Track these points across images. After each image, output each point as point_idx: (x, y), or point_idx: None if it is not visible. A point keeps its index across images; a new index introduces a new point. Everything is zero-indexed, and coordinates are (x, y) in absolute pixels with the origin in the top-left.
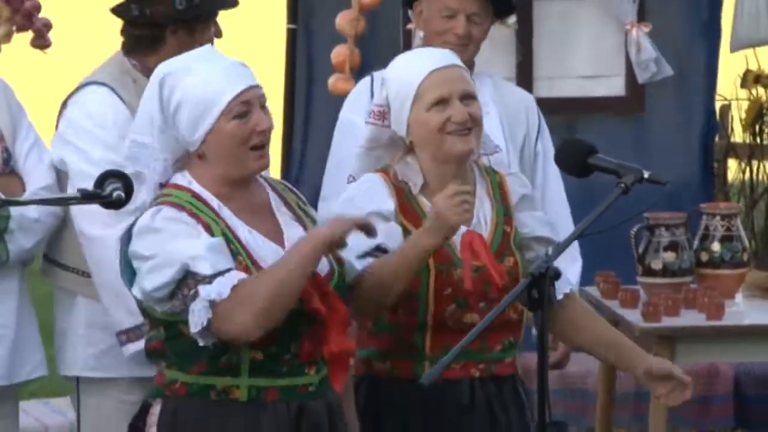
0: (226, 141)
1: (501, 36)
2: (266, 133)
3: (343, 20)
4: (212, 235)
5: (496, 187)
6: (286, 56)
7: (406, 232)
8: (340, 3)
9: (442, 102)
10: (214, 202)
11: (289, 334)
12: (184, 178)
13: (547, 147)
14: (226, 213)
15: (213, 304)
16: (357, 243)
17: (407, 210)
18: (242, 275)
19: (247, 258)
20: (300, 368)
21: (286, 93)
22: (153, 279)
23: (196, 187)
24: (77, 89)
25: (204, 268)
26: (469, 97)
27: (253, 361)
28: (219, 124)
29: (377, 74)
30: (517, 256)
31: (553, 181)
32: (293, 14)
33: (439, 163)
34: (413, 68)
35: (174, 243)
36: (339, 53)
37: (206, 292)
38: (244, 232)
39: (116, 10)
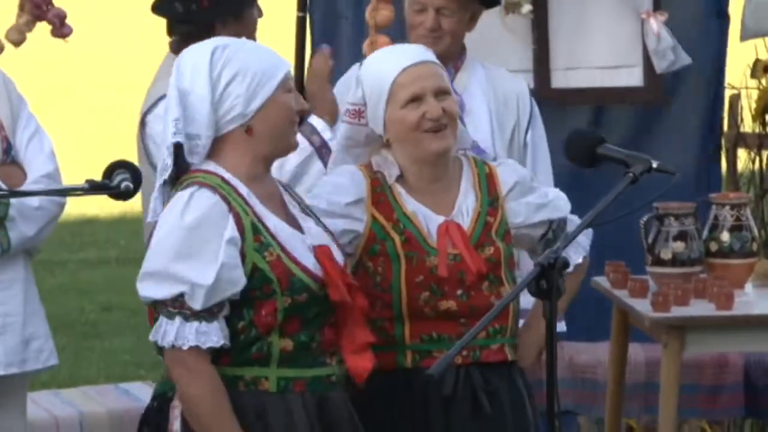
0: (281, 113)
1: (517, 26)
2: (305, 113)
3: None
4: (242, 226)
5: (483, 178)
6: (295, 44)
7: (375, 223)
8: None
9: (416, 99)
10: (243, 189)
11: (315, 324)
12: (209, 165)
13: (537, 137)
14: (254, 200)
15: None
16: None
17: (379, 200)
18: (216, 338)
19: (278, 247)
20: (322, 358)
21: (295, 82)
22: (146, 288)
23: (225, 173)
24: (153, 105)
25: (196, 303)
26: (443, 93)
27: (283, 351)
28: (276, 95)
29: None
30: (499, 245)
31: (543, 173)
32: (302, 2)
33: (416, 160)
34: (386, 66)
35: (188, 261)
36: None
37: (177, 330)
38: (273, 220)
39: (159, 8)
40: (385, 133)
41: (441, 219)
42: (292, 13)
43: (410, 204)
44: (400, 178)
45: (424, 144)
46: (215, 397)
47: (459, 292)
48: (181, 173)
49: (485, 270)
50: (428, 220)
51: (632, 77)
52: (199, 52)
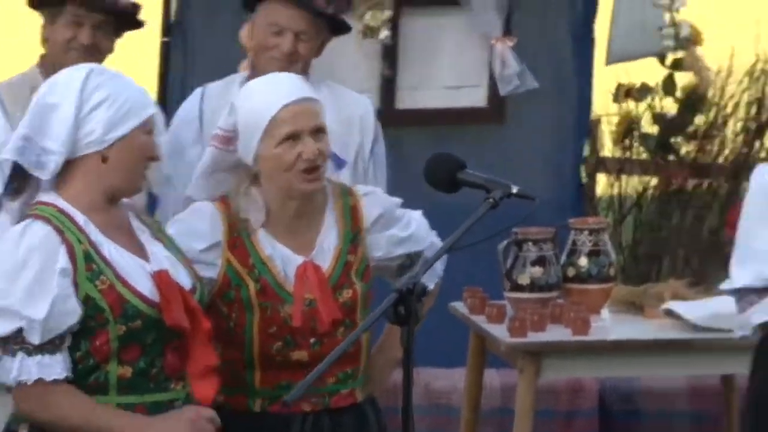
0: (137, 152)
1: (367, 48)
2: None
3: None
4: (74, 256)
5: (347, 211)
6: (159, 70)
7: (230, 268)
8: (214, 19)
9: (293, 137)
10: (80, 218)
11: (155, 349)
12: (49, 196)
13: (379, 154)
14: (92, 228)
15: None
16: None
17: (235, 244)
18: (60, 370)
19: (111, 275)
20: (165, 383)
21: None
22: None
23: (62, 203)
24: None
25: (34, 338)
26: (319, 132)
27: (121, 378)
28: (137, 133)
29: (212, 87)
30: (357, 287)
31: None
32: (167, 28)
33: (284, 197)
34: (265, 100)
35: (22, 295)
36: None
37: (19, 365)
38: (110, 247)
39: None
40: (255, 165)
41: (300, 260)
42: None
43: (268, 247)
44: (266, 221)
45: (295, 184)
46: (76, 401)
47: (312, 340)
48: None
49: (340, 316)
50: (286, 262)
51: (476, 97)
52: (76, 71)
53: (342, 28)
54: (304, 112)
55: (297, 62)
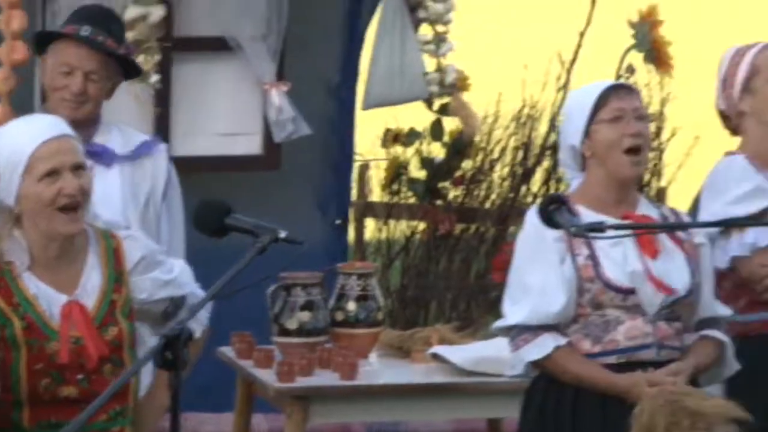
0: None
1: (138, 92)
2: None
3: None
4: None
5: (110, 252)
6: None
7: None
8: None
9: (53, 173)
10: None
11: None
12: None
13: (173, 198)
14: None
15: None
16: None
17: (1, 287)
18: None
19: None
20: None
21: None
22: None
23: None
24: None
25: None
26: (80, 168)
27: None
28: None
29: None
30: (123, 325)
31: (177, 241)
32: None
33: (46, 238)
34: (24, 137)
35: None
36: None
37: None
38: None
39: None
40: (16, 206)
41: (64, 299)
42: None
43: (33, 287)
44: (30, 264)
45: (55, 223)
46: None
47: (80, 377)
48: None
49: (107, 353)
50: (51, 301)
51: (251, 145)
52: None
53: (133, 70)
54: (63, 149)
55: (86, 103)
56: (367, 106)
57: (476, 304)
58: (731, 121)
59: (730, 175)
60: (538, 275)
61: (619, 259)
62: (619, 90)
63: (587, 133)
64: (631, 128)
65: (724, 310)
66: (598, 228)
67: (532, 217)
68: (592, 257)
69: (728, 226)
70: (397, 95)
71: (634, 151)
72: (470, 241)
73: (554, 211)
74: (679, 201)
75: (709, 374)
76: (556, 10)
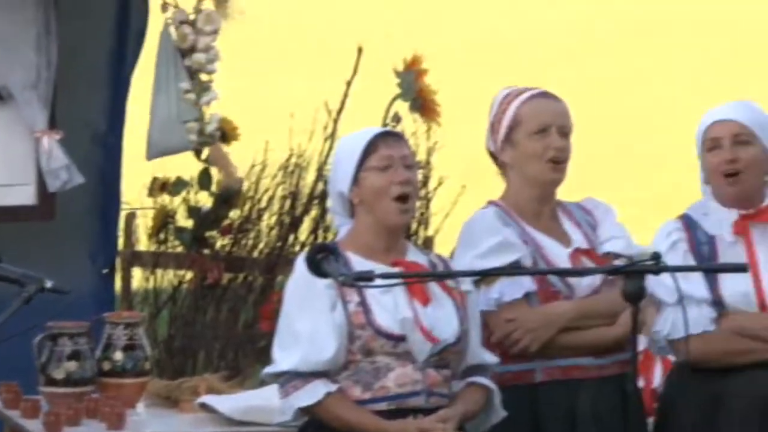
0: None
1: None
2: None
3: None
4: None
5: None
6: None
7: None
8: None
9: None
10: None
11: None
12: None
13: None
14: None
15: None
16: None
17: None
18: None
19: None
20: None
21: None
22: None
23: None
24: None
25: None
26: None
27: None
28: None
29: None
30: None
31: None
32: None
33: None
34: None
35: None
36: None
37: None
38: None
39: None
40: None
41: None
42: None
43: None
44: None
45: None
46: None
47: None
48: None
49: None
50: None
51: (25, 195)
52: None
53: None
54: None
55: None
56: (150, 156)
57: (244, 354)
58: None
59: (479, 228)
60: (308, 322)
61: (390, 306)
62: (388, 138)
63: (356, 180)
64: (400, 176)
65: (490, 358)
66: (367, 277)
67: (300, 267)
68: (363, 304)
69: (491, 275)
70: (176, 144)
71: (402, 198)
72: (238, 291)
73: (322, 260)
74: (446, 249)
75: (476, 421)
76: (323, 59)
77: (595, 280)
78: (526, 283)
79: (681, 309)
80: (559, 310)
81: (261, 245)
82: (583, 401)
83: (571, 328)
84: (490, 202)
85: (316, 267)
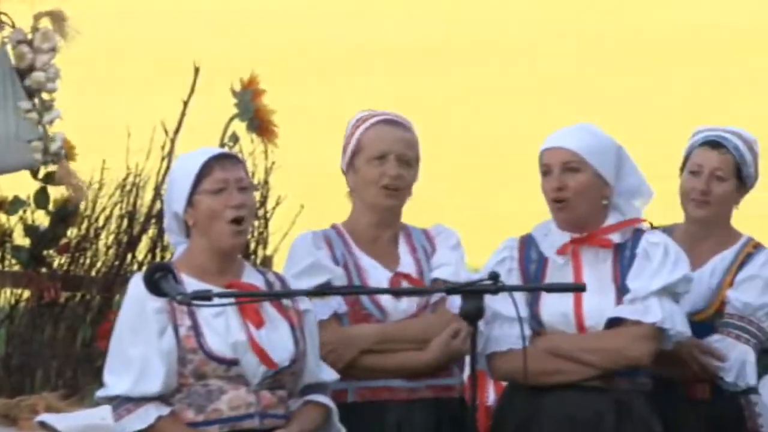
0: None
1: None
2: None
3: None
4: None
5: None
6: None
7: None
8: None
9: None
10: None
11: None
12: None
13: None
14: None
15: None
16: None
17: None
18: None
19: None
20: None
21: None
22: None
23: None
24: None
25: None
26: None
27: None
28: None
29: None
30: None
31: None
32: None
33: None
34: None
35: None
36: None
37: None
38: None
39: None
40: None
41: None
42: None
43: None
44: None
45: None
46: None
47: None
48: None
49: None
50: None
51: None
52: None
53: None
54: None
55: None
56: None
57: (82, 372)
58: None
59: (295, 250)
60: (138, 347)
61: (221, 329)
62: (224, 160)
63: (190, 202)
64: (234, 200)
65: (329, 375)
66: (205, 296)
67: (134, 287)
68: (195, 328)
69: (324, 294)
70: (16, 162)
71: (236, 221)
72: (76, 309)
73: (160, 279)
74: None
75: None
76: (161, 79)
77: (411, 306)
78: (335, 304)
79: (492, 327)
80: (361, 332)
81: (99, 264)
82: (390, 423)
83: (376, 351)
84: (333, 225)
85: (154, 286)
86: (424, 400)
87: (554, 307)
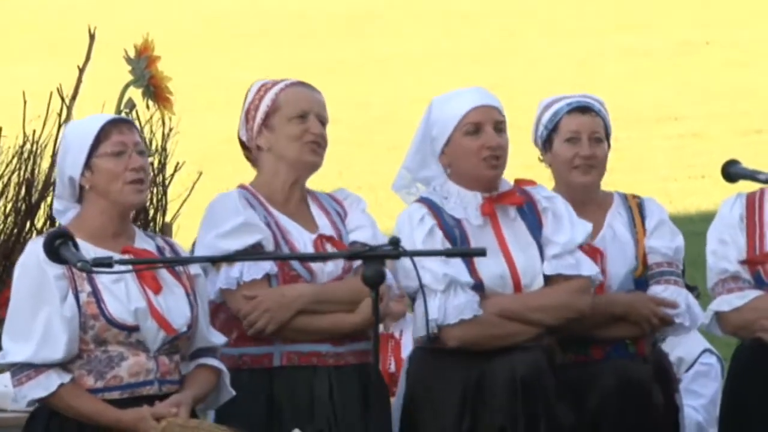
0: None
1: None
2: None
3: None
4: None
5: None
6: None
7: None
8: None
9: None
10: None
11: None
12: None
13: None
14: None
15: None
16: None
17: None
18: None
19: None
20: None
21: None
22: None
23: None
24: None
25: None
26: None
27: None
28: None
29: None
30: None
31: None
32: None
33: None
34: None
35: None
36: None
37: None
38: None
39: None
40: None
41: None
42: None
43: None
44: None
45: None
46: None
47: None
48: None
49: None
50: None
51: None
52: None
53: None
54: None
55: None
56: None
57: None
58: (251, 152)
59: (221, 209)
60: (40, 314)
61: (121, 296)
62: (120, 124)
63: (88, 166)
64: (134, 162)
65: (218, 339)
66: (106, 263)
67: (31, 254)
68: (95, 294)
69: (227, 260)
70: None
71: (137, 183)
72: None
73: (60, 245)
74: (182, 236)
75: (207, 402)
76: (56, 45)
77: (337, 269)
78: (267, 265)
79: (449, 294)
80: (296, 292)
81: None
82: (319, 388)
83: (308, 312)
84: (240, 186)
85: (55, 253)
86: (350, 366)
87: (490, 269)
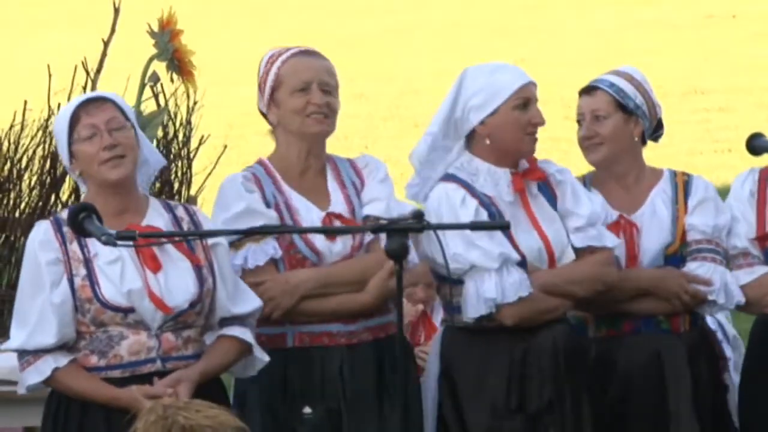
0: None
1: None
2: None
3: None
4: None
5: None
6: None
7: None
8: None
9: None
10: None
11: None
12: None
13: None
14: None
15: None
16: None
17: None
18: None
19: None
20: None
21: None
22: None
23: None
24: None
25: None
26: None
27: None
28: None
29: None
30: None
31: None
32: None
33: None
34: None
35: None
36: None
37: None
38: None
39: None
40: None
41: None
42: None
43: None
44: None
45: None
46: None
47: None
48: None
49: None
50: None
51: None
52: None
53: None
54: None
55: None
56: None
57: (8, 313)
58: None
59: (226, 193)
60: (35, 300)
61: (116, 277)
62: (88, 105)
63: (72, 154)
64: (105, 141)
65: (244, 307)
66: (130, 236)
67: (31, 239)
68: (90, 277)
69: (250, 234)
70: None
71: (112, 159)
72: (0, 250)
73: (84, 219)
74: (207, 209)
75: (235, 370)
76: (80, 18)
77: (346, 248)
78: (271, 250)
79: (502, 273)
80: (299, 279)
81: (22, 205)
82: (330, 367)
83: (314, 295)
84: (258, 161)
85: (79, 227)
86: (363, 344)
87: (530, 244)
